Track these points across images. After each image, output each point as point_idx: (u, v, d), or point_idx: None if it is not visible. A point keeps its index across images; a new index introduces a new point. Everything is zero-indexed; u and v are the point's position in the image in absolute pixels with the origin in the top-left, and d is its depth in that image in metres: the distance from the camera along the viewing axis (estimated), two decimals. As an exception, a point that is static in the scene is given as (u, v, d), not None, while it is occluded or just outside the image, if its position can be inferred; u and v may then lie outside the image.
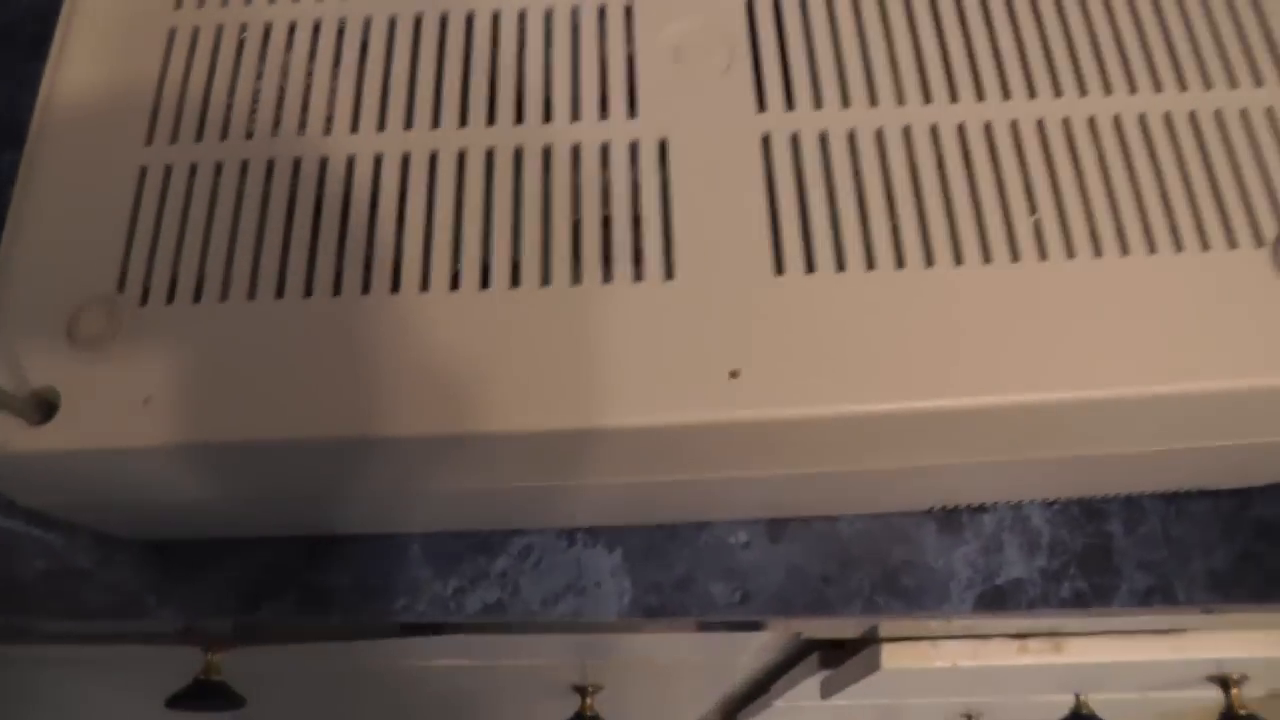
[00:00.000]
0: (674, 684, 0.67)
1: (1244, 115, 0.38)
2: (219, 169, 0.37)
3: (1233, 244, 0.36)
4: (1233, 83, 0.39)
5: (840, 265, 0.35)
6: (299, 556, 0.43)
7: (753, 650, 0.56)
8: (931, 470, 0.39)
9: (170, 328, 0.35)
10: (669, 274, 0.35)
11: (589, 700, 0.64)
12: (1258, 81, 0.39)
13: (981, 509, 0.45)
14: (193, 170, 0.38)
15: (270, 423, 0.34)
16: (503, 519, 0.43)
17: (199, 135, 0.38)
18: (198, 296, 0.36)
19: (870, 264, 0.35)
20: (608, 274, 0.35)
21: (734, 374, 0.34)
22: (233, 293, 0.36)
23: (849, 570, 0.43)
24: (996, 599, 0.43)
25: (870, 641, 0.49)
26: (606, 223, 0.36)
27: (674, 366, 0.34)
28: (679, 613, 0.43)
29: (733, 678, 0.63)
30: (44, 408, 0.35)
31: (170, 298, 0.36)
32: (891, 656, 0.48)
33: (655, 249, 0.36)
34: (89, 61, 0.39)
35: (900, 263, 0.36)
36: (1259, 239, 0.36)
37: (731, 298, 0.35)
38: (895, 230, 0.36)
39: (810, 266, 0.35)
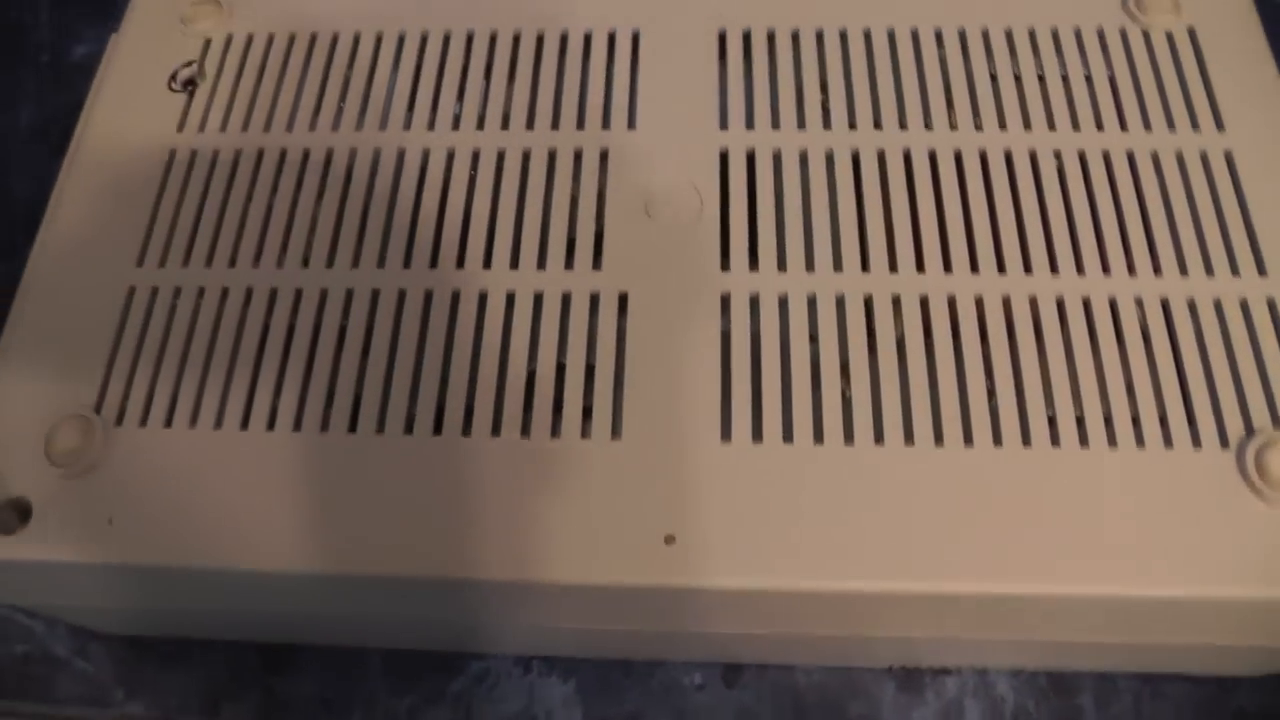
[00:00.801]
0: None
1: (1218, 305, 0.37)
2: (201, 294, 0.39)
3: (1197, 443, 0.35)
4: (1209, 270, 0.38)
5: (787, 436, 0.35)
6: (263, 661, 0.44)
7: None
8: (881, 639, 0.39)
9: (139, 450, 0.37)
10: (615, 433, 0.36)
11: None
12: (1234, 270, 0.38)
13: (945, 671, 0.44)
14: (176, 294, 0.39)
15: (221, 553, 0.35)
16: (458, 643, 0.43)
17: (186, 260, 0.40)
18: (169, 422, 0.37)
19: (818, 437, 0.35)
20: (556, 429, 0.36)
21: (669, 539, 0.34)
22: (200, 421, 0.37)
23: (802, 720, 0.43)
24: (952, 762, 0.43)
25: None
26: (560, 371, 0.37)
27: (611, 527, 0.34)
28: (627, 749, 0.43)
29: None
30: (21, 514, 0.36)
31: (144, 421, 0.37)
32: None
33: (605, 405, 0.36)
34: (97, 174, 0.41)
35: (849, 438, 0.35)
36: (1224, 440, 0.35)
37: (675, 462, 0.35)
38: (846, 403, 0.36)
39: (757, 435, 0.35)
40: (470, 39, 0.44)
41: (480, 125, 0.42)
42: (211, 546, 0.35)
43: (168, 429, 0.37)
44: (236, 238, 0.40)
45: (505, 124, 0.42)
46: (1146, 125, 0.41)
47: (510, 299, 0.38)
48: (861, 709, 0.43)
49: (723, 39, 0.43)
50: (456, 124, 0.42)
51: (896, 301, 0.37)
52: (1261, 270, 0.38)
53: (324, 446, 0.36)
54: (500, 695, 0.44)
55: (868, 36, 0.43)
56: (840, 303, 0.38)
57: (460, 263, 0.39)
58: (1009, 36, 0.43)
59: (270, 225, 0.40)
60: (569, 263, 0.39)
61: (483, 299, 0.38)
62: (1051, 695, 0.43)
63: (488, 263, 0.39)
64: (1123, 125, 0.41)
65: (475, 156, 0.41)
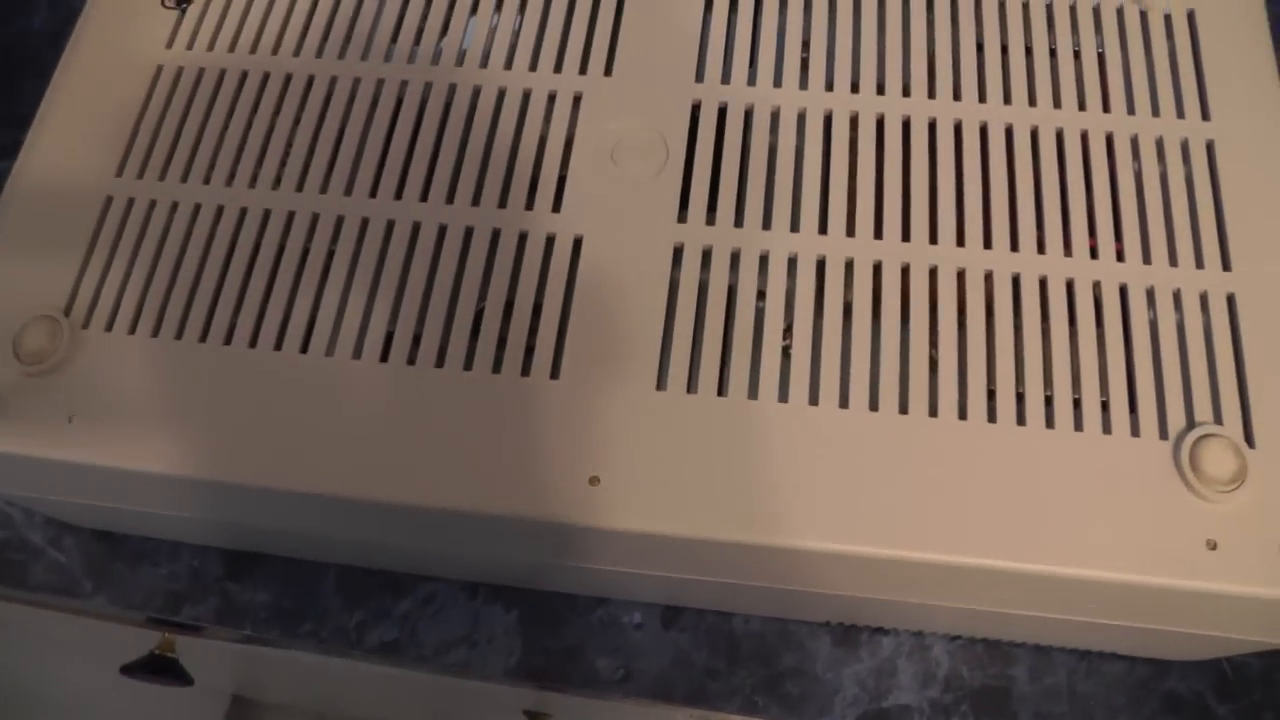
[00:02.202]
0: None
1: (1177, 296, 0.37)
2: (174, 208, 0.40)
3: (1135, 432, 0.35)
4: (1173, 261, 0.37)
5: (721, 390, 0.36)
6: (225, 568, 0.46)
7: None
8: (811, 595, 0.39)
9: (103, 354, 0.38)
10: (555, 373, 0.36)
11: (536, 726, 0.66)
12: (1198, 263, 0.37)
13: (882, 631, 0.44)
14: (151, 206, 0.40)
15: (170, 459, 0.36)
16: (408, 565, 0.45)
17: (163, 174, 0.41)
18: (133, 328, 0.38)
19: (753, 393, 0.36)
20: (498, 364, 0.37)
21: (594, 480, 0.35)
22: (163, 330, 0.38)
23: (735, 667, 0.44)
24: (879, 721, 0.43)
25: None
26: (509, 309, 0.37)
27: (539, 463, 0.35)
28: (562, 680, 0.44)
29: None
30: (-8, 407, 0.38)
31: (109, 326, 0.39)
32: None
33: (548, 346, 0.37)
34: (85, 85, 0.43)
35: (784, 397, 0.36)
36: (1164, 431, 0.35)
37: (608, 406, 0.36)
38: (786, 359, 0.36)
39: (692, 386, 0.36)
40: (459, -28, 0.44)
41: (460, 62, 0.42)
42: (162, 451, 0.37)
43: (131, 335, 0.38)
44: (213, 155, 0.41)
45: (485, 63, 0.42)
46: (1130, 108, 0.40)
47: (469, 234, 0.39)
48: (794, 660, 0.44)
49: (711, -12, 0.43)
50: (436, 59, 0.42)
51: (849, 266, 0.38)
52: (1226, 265, 0.37)
53: (275, 364, 0.37)
54: (444, 618, 0.45)
55: (857, -5, 0.42)
56: (792, 263, 0.38)
57: (424, 196, 0.39)
58: (1002, 6, 0.42)
59: (246, 145, 0.41)
60: (530, 203, 0.39)
61: (442, 232, 0.39)
62: (986, 663, 0.44)
63: (450, 198, 0.39)
64: (1105, 106, 0.40)
65: (451, 91, 0.41)
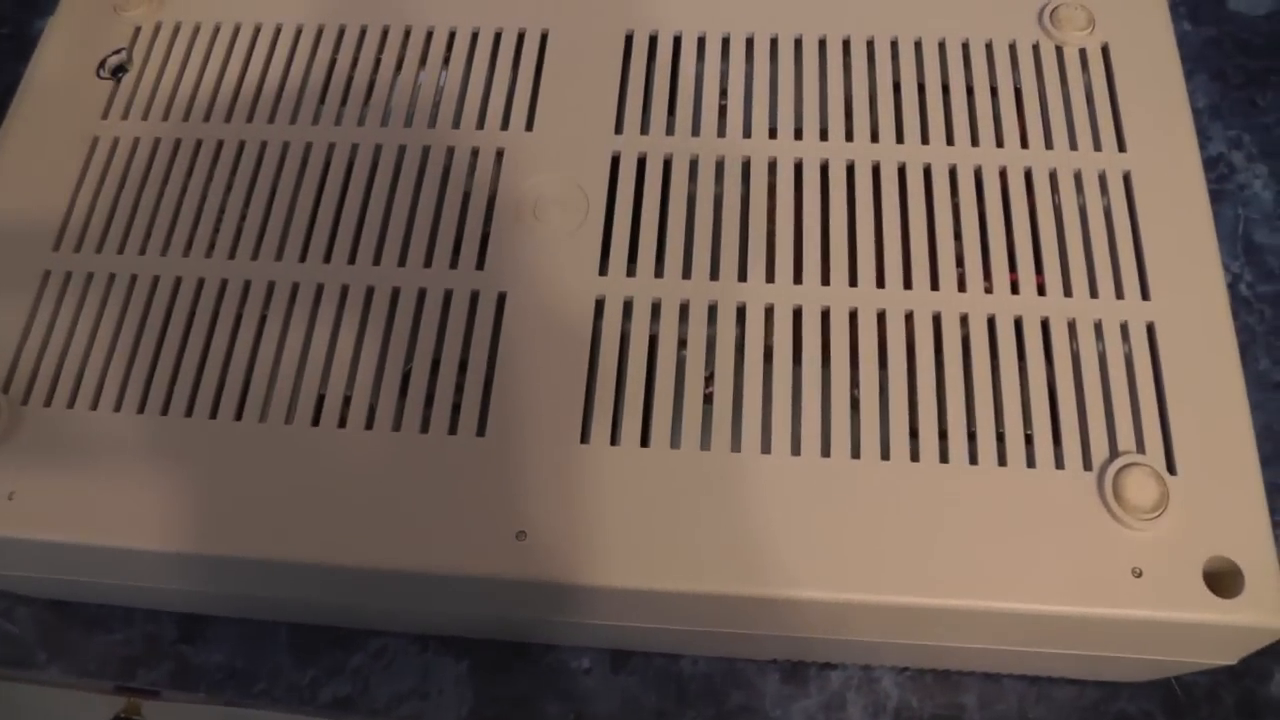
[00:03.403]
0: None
1: (1098, 327, 0.37)
2: (112, 280, 0.41)
3: (1060, 465, 0.35)
4: (1094, 293, 0.38)
5: (644, 441, 0.36)
6: (178, 631, 0.46)
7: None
8: (755, 637, 0.40)
9: (44, 430, 0.38)
10: (480, 430, 0.37)
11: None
12: (1118, 294, 0.38)
13: (830, 665, 0.45)
14: (88, 280, 0.41)
15: (109, 531, 0.37)
16: (356, 621, 0.45)
17: (100, 247, 0.41)
18: (72, 403, 0.39)
19: (675, 443, 0.36)
20: (426, 424, 0.37)
21: (520, 535, 0.35)
22: (102, 403, 0.39)
23: (683, 707, 0.44)
24: (831, 756, 0.44)
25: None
26: (435, 367, 0.38)
27: (468, 521, 0.35)
28: (515, 729, 0.44)
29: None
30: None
31: (48, 401, 0.39)
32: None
33: (474, 403, 0.37)
34: (21, 159, 0.43)
35: (706, 445, 0.36)
36: (1088, 463, 0.35)
37: (534, 461, 0.36)
38: (708, 407, 0.37)
39: (615, 439, 0.36)
40: (385, 33, 0.45)
41: (385, 122, 0.43)
42: (102, 524, 0.37)
43: (70, 409, 0.39)
44: (149, 226, 0.41)
45: (409, 121, 0.43)
46: (1048, 143, 0.41)
47: (395, 295, 0.39)
48: (743, 699, 0.44)
49: (629, 41, 0.43)
50: (362, 120, 0.43)
51: (769, 311, 0.38)
52: (1145, 295, 0.38)
53: (211, 432, 0.38)
54: (396, 672, 0.45)
55: (774, 43, 0.43)
56: (712, 311, 0.38)
57: (352, 259, 0.40)
58: (918, 47, 0.43)
59: (180, 214, 0.42)
60: (454, 262, 0.40)
61: (369, 294, 0.39)
62: (936, 693, 0.44)
63: (378, 259, 0.40)
64: (1024, 142, 0.41)
65: (377, 151, 0.42)
